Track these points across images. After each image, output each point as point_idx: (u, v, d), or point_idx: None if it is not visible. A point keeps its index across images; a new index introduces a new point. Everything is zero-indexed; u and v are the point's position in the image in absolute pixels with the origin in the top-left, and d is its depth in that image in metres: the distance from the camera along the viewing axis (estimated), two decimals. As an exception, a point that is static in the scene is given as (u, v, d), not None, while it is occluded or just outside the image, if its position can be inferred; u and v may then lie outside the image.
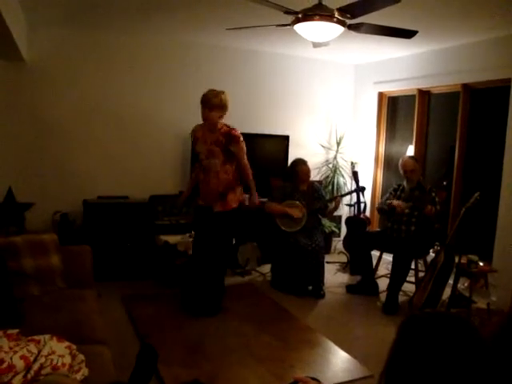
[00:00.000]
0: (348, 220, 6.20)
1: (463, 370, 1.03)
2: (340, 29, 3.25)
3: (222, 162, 4.05)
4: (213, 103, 3.93)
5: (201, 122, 4.13)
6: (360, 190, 5.56)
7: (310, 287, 4.90)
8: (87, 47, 5.27)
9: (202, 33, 5.24)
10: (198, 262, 4.20)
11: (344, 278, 5.52)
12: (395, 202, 4.78)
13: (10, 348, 2.06)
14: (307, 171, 5.09)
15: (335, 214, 6.13)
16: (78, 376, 2.11)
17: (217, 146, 4.02)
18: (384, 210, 4.92)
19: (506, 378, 1.15)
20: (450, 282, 4.31)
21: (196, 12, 4.34)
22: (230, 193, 4.09)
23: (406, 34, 3.44)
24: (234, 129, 4.07)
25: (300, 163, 5.11)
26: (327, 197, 5.36)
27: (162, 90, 5.66)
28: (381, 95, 6.45)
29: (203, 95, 3.98)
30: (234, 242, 4.64)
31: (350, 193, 5.71)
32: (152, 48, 5.56)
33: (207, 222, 4.15)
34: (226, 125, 4.07)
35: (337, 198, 5.23)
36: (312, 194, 5.11)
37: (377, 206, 5.43)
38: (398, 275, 4.55)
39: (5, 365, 1.95)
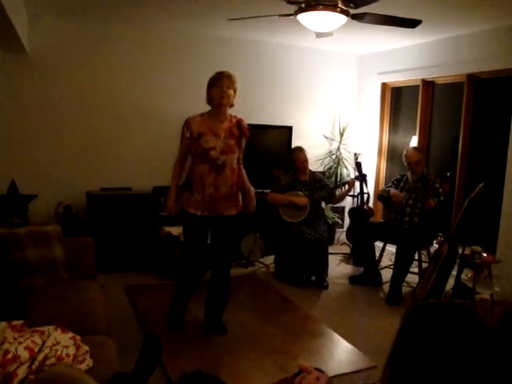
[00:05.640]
0: (351, 211, 6.20)
1: (468, 360, 1.03)
2: (343, 19, 3.24)
3: (237, 156, 3.50)
4: (236, 84, 3.37)
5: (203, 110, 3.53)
6: (362, 176, 5.51)
7: (313, 278, 4.91)
8: (88, 38, 5.24)
9: (204, 23, 5.22)
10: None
11: (347, 269, 5.52)
12: (392, 191, 4.81)
13: (15, 339, 2.07)
14: (303, 159, 5.03)
15: (338, 205, 6.13)
16: (83, 367, 2.12)
17: (232, 139, 3.41)
18: (383, 196, 4.97)
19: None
20: (454, 273, 4.31)
21: (198, 2, 4.31)
22: (239, 192, 3.55)
23: (410, 23, 3.42)
24: (242, 119, 3.51)
25: (296, 151, 5.10)
26: (332, 185, 5.32)
27: (164, 81, 5.64)
28: (384, 86, 6.42)
29: (227, 75, 3.33)
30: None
31: (358, 177, 5.56)
32: (154, 38, 5.54)
33: (219, 233, 3.55)
34: (230, 113, 3.49)
35: (350, 181, 5.19)
36: (314, 183, 5.09)
37: (378, 192, 5.43)
38: (401, 266, 4.55)
39: (10, 355, 1.96)
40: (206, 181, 3.37)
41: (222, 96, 3.31)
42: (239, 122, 3.47)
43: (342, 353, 3.53)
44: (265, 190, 5.35)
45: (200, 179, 3.39)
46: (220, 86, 3.30)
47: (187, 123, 3.40)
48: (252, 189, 3.62)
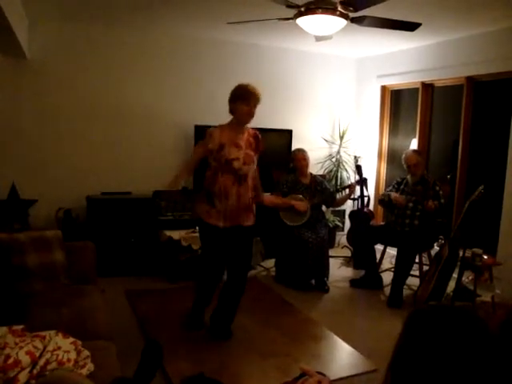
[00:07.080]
0: (352, 214, 6.19)
1: (470, 363, 1.03)
2: (343, 22, 3.24)
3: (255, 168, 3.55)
4: (260, 99, 3.40)
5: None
6: (362, 180, 5.52)
7: (313, 281, 4.91)
8: (88, 42, 5.25)
9: (203, 27, 5.22)
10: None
11: (348, 272, 5.51)
12: (393, 195, 4.79)
13: (16, 344, 2.07)
14: (302, 157, 5.06)
15: (338, 208, 6.13)
16: (84, 371, 2.11)
17: (251, 150, 3.46)
18: (384, 201, 4.93)
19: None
20: (455, 275, 4.30)
21: (197, 6, 4.31)
22: (253, 202, 3.59)
23: (409, 26, 3.43)
24: (257, 132, 3.58)
25: (296, 150, 5.18)
26: (332, 189, 5.33)
27: (164, 85, 5.63)
28: (384, 89, 6.43)
29: (257, 95, 3.36)
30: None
31: (358, 181, 5.59)
32: (153, 43, 5.54)
33: (237, 243, 3.52)
34: (246, 125, 3.54)
35: (351, 185, 5.19)
36: (315, 187, 5.09)
37: (379, 197, 5.42)
38: (402, 269, 4.55)
39: (11, 360, 1.96)
40: (230, 191, 3.36)
41: (249, 115, 3.40)
42: (256, 135, 3.54)
43: (343, 356, 3.53)
44: (265, 194, 5.35)
45: (224, 190, 3.36)
46: (248, 104, 3.35)
47: (209, 134, 3.41)
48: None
